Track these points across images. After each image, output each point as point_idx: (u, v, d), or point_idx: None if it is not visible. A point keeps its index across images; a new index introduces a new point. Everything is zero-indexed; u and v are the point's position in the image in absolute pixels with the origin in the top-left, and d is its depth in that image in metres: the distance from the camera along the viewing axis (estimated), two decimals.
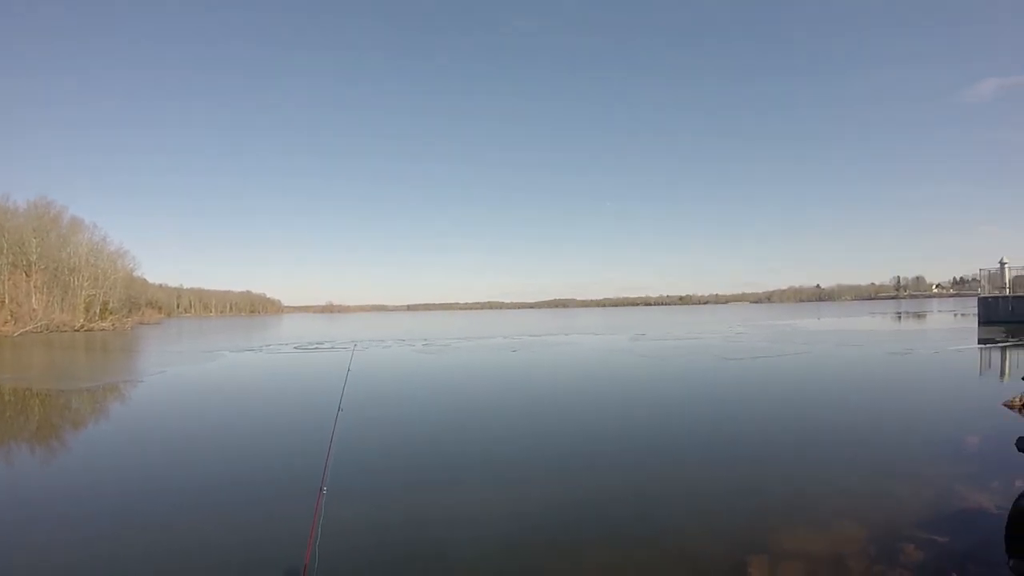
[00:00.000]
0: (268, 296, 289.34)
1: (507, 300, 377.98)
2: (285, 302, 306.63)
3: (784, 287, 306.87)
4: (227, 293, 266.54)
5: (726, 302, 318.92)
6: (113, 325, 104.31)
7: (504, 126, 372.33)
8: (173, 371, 32.29)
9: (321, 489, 5.32)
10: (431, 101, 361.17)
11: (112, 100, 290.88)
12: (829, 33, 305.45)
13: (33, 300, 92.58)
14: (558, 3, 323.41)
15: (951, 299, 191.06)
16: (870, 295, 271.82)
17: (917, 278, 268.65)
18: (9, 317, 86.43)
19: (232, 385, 27.07)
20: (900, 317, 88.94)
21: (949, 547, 7.75)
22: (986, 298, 64.58)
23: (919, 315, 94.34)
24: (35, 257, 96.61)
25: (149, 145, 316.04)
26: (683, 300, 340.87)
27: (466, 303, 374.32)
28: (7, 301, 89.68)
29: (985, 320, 59.69)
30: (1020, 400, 16.78)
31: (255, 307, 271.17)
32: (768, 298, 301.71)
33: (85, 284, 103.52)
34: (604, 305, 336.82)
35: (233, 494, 10.74)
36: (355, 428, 14.78)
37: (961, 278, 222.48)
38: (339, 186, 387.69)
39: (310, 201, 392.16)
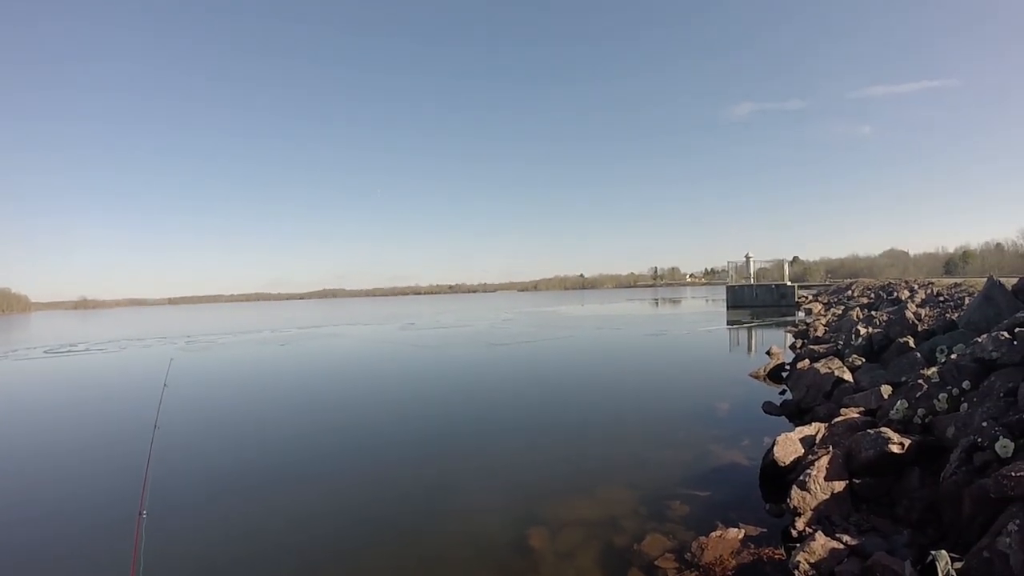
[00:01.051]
0: (13, 292, 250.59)
1: (274, 291, 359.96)
2: (33, 298, 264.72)
3: (550, 276, 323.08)
4: None
5: (494, 290, 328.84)
6: None
7: (269, 114, 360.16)
8: None
9: (140, 513, 4.58)
10: (188, 84, 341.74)
11: None
12: (610, 42, 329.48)
13: None
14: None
15: (703, 287, 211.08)
16: (630, 284, 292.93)
17: (672, 269, 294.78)
18: None
19: None
20: (657, 303, 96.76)
21: (712, 499, 8.39)
22: (733, 286, 72.59)
23: (674, 301, 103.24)
24: None
25: None
26: (452, 289, 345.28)
27: (232, 295, 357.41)
28: None
29: (732, 305, 66.90)
30: (764, 371, 18.86)
31: None
32: (535, 286, 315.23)
33: None
34: (374, 295, 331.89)
35: (36, 524, 8.94)
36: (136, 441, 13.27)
37: (712, 269, 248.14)
38: (88, 170, 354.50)
39: (58, 186, 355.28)
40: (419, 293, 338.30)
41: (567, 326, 48.15)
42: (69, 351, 41.63)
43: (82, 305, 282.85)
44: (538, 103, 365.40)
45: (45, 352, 41.69)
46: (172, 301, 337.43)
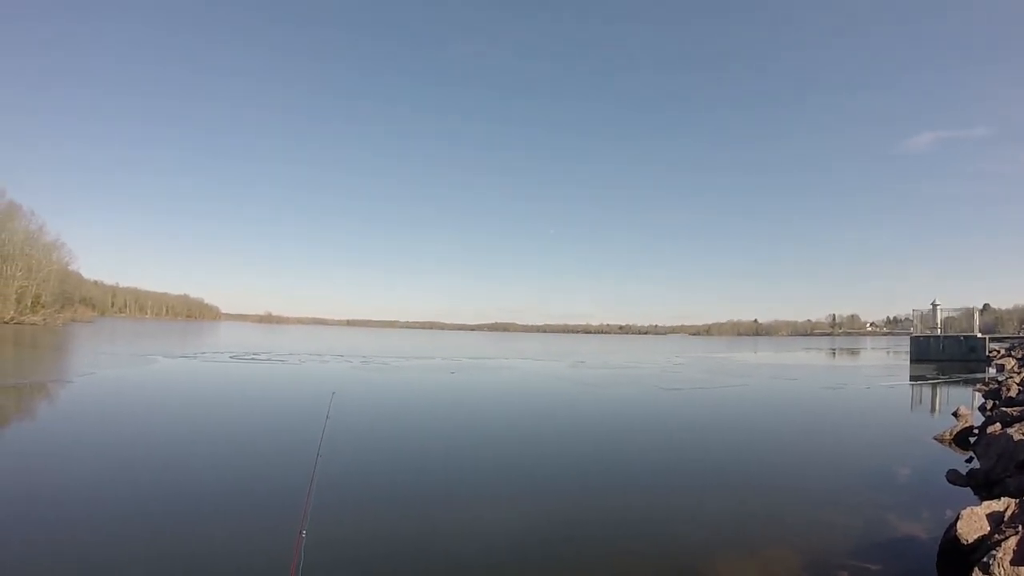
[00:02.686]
0: (206, 302, 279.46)
1: (447, 321, 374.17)
2: (223, 309, 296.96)
3: (723, 321, 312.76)
4: (164, 296, 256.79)
5: (665, 333, 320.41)
6: (44, 320, 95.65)
7: (449, 148, 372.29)
8: (104, 374, 30.28)
9: (301, 532, 5.01)
10: (376, 120, 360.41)
11: (65, 88, 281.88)
12: (777, 78, 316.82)
13: None
14: (505, 28, 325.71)
15: (884, 337, 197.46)
16: (806, 331, 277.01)
17: (852, 316, 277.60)
18: None
19: (167, 393, 25.51)
20: (834, 353, 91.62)
21: (882, 573, 7.88)
22: (918, 337, 67.21)
23: (853, 352, 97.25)
24: None
25: (96, 135, 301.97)
26: (623, 329, 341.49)
27: (406, 322, 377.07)
28: None
29: (917, 358, 61.89)
30: (950, 434, 17.40)
31: (192, 312, 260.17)
32: (707, 331, 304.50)
33: (18, 274, 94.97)
34: (544, 331, 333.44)
35: (192, 521, 9.60)
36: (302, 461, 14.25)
37: (894, 317, 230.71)
38: (283, 195, 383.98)
39: (254, 208, 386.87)
40: (589, 332, 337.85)
41: (740, 373, 46.64)
42: (252, 359, 46.04)
43: (266, 319, 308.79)
44: (708, 136, 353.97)
45: (230, 357, 46.34)
46: (350, 323, 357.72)
